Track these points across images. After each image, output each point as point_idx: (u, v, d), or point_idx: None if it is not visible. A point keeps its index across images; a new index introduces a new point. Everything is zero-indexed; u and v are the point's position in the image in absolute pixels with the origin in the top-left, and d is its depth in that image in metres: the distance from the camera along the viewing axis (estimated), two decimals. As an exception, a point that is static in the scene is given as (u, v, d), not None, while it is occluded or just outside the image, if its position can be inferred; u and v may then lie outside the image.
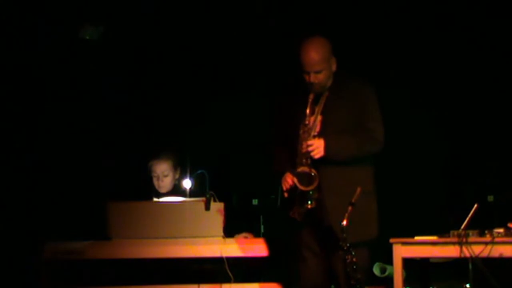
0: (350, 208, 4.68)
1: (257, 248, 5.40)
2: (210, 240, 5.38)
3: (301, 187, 4.86)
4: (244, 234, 5.57)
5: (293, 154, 4.95)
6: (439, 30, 6.93)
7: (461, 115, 6.93)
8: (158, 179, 6.00)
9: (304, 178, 4.87)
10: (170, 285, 5.36)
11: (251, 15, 7.04)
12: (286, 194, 4.94)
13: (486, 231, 4.88)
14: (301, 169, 4.87)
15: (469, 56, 6.86)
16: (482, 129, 6.85)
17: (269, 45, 6.95)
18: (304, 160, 4.88)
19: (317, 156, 4.84)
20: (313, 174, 4.85)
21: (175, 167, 6.02)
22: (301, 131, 4.92)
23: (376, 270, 6.69)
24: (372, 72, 6.58)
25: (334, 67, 4.99)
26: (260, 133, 5.61)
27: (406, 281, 5.21)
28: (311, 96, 4.92)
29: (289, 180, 4.91)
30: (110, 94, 7.04)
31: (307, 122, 4.91)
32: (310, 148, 4.85)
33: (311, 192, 4.87)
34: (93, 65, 6.97)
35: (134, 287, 5.35)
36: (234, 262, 5.33)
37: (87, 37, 6.88)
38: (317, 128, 4.94)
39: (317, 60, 4.90)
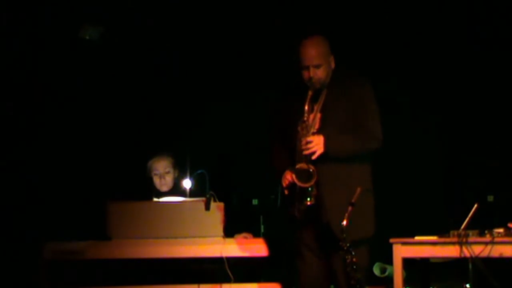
0: (350, 208, 4.68)
1: (257, 248, 5.40)
2: (210, 240, 5.38)
3: (299, 184, 4.85)
4: (244, 234, 5.57)
5: (292, 152, 4.94)
6: (438, 30, 6.93)
7: (461, 115, 6.93)
8: (160, 177, 6.01)
9: (303, 175, 4.86)
10: (170, 285, 5.36)
11: (252, 16, 7.04)
12: (286, 192, 4.94)
13: (486, 231, 4.88)
14: (299, 165, 4.86)
15: (469, 56, 6.86)
16: (482, 129, 6.85)
17: (269, 46, 6.94)
18: (303, 157, 4.88)
19: (317, 153, 4.84)
20: (311, 170, 4.84)
21: (174, 165, 6.03)
22: (299, 128, 4.92)
23: (376, 270, 6.68)
24: (375, 72, 6.59)
25: (332, 65, 5.01)
26: (260, 134, 5.60)
27: (406, 281, 5.21)
28: (309, 93, 4.93)
29: (288, 177, 4.91)
30: (110, 94, 7.05)
31: (305, 118, 4.91)
32: (309, 145, 4.84)
33: (310, 189, 4.86)
34: (93, 65, 6.97)
35: (134, 287, 5.35)
36: (234, 262, 5.33)
37: (87, 37, 6.88)
38: (316, 125, 4.94)
39: (316, 54, 4.93)
